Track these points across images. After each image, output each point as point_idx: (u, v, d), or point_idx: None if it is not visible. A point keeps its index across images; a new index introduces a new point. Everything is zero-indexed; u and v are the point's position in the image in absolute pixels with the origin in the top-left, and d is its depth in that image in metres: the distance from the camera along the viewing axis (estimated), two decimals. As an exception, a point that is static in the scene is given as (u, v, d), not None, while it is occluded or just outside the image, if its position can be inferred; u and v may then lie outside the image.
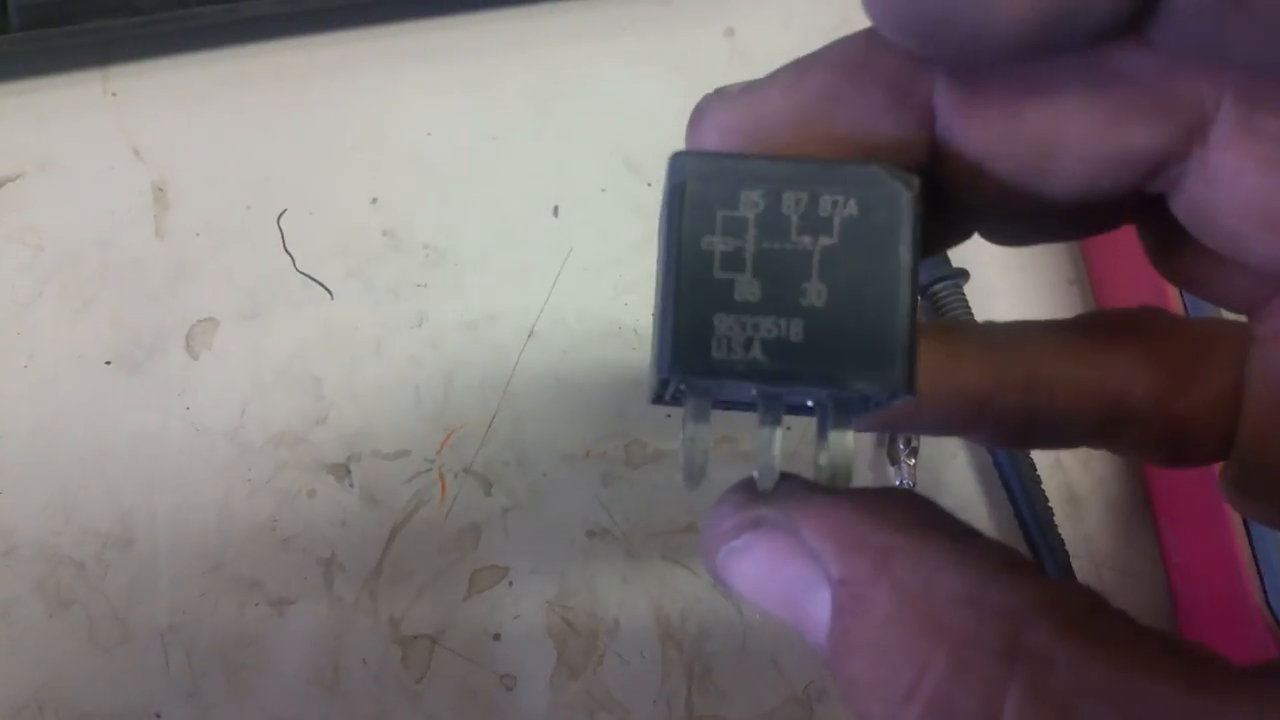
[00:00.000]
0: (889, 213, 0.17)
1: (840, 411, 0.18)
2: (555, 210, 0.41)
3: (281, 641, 0.36)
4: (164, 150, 0.41)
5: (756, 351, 0.17)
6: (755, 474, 0.18)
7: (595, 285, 0.40)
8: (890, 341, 0.17)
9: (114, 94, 0.41)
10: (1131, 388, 0.21)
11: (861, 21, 0.19)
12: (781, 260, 0.18)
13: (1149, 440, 0.21)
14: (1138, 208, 0.19)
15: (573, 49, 0.43)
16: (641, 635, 0.37)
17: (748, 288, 0.17)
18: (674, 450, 0.38)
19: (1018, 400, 0.21)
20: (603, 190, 0.41)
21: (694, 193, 0.18)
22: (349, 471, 0.38)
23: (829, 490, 0.18)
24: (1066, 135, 0.17)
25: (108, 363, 0.38)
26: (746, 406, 0.19)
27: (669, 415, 0.39)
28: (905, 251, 0.17)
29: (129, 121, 0.41)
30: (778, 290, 0.17)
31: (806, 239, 0.17)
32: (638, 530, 0.38)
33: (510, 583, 0.37)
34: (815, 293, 0.18)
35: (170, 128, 0.41)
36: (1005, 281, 0.41)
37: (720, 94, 0.19)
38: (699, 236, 0.17)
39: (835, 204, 0.18)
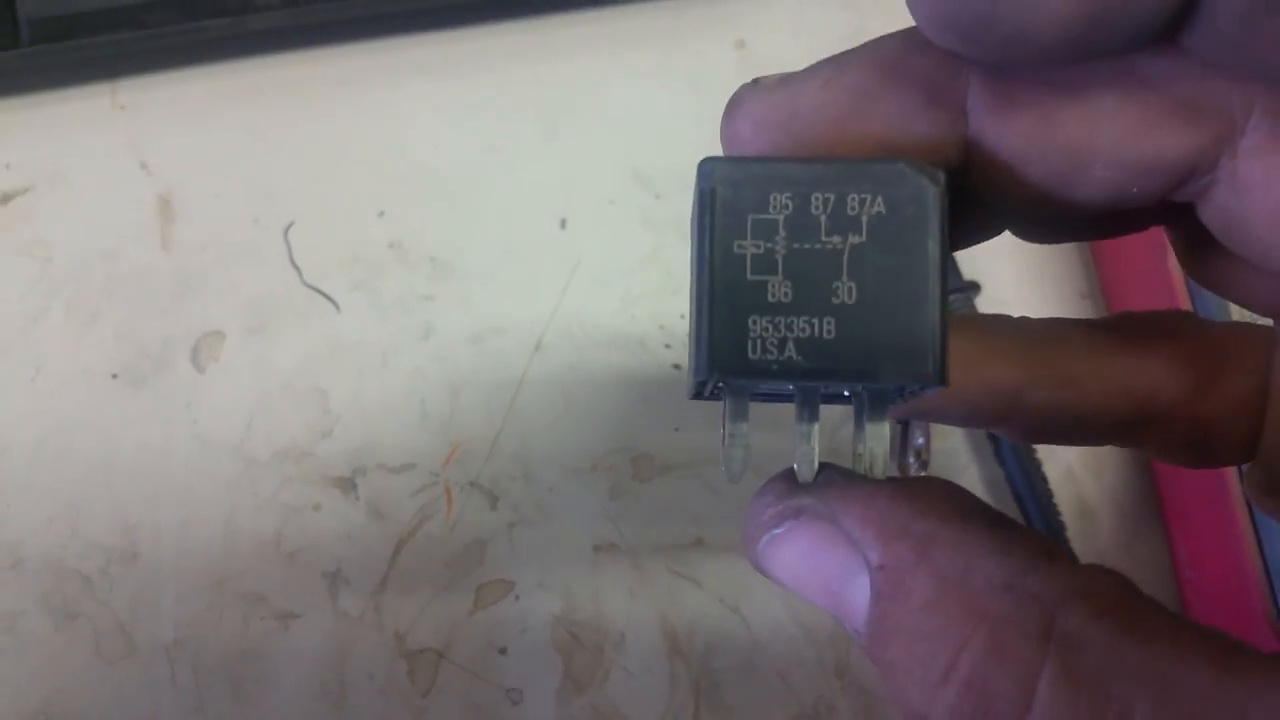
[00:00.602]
0: (916, 208, 0.18)
1: (876, 403, 0.18)
2: (563, 223, 0.41)
3: (287, 656, 0.36)
4: (171, 163, 0.41)
5: (791, 350, 0.17)
6: (795, 465, 0.19)
7: (603, 298, 0.40)
8: (921, 333, 0.18)
9: (122, 107, 0.41)
10: (1160, 388, 0.21)
11: (874, 31, 0.19)
12: (812, 260, 0.18)
13: (1175, 441, 0.22)
14: (1167, 212, 0.19)
15: (581, 61, 0.43)
16: (649, 650, 0.36)
17: (780, 288, 0.18)
18: (681, 465, 0.38)
19: (1048, 396, 0.21)
20: (611, 202, 0.41)
21: (724, 198, 0.18)
22: (354, 485, 0.37)
23: (867, 479, 0.18)
24: (1098, 141, 0.17)
25: (114, 376, 0.38)
26: (784, 398, 0.19)
27: (677, 429, 0.38)
28: (933, 245, 0.17)
29: (137, 135, 0.41)
30: (809, 290, 0.18)
31: (836, 238, 0.18)
32: (645, 544, 0.37)
33: (516, 597, 0.37)
34: (846, 290, 0.18)
35: (178, 141, 0.41)
36: (1017, 294, 0.40)
37: (757, 85, 0.19)
38: (731, 240, 0.18)
39: (863, 202, 0.18)
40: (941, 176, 0.18)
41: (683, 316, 0.40)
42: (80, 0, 0.39)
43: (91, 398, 0.38)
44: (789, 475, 0.19)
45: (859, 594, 0.17)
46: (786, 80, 0.19)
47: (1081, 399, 0.21)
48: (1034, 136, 0.17)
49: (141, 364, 0.38)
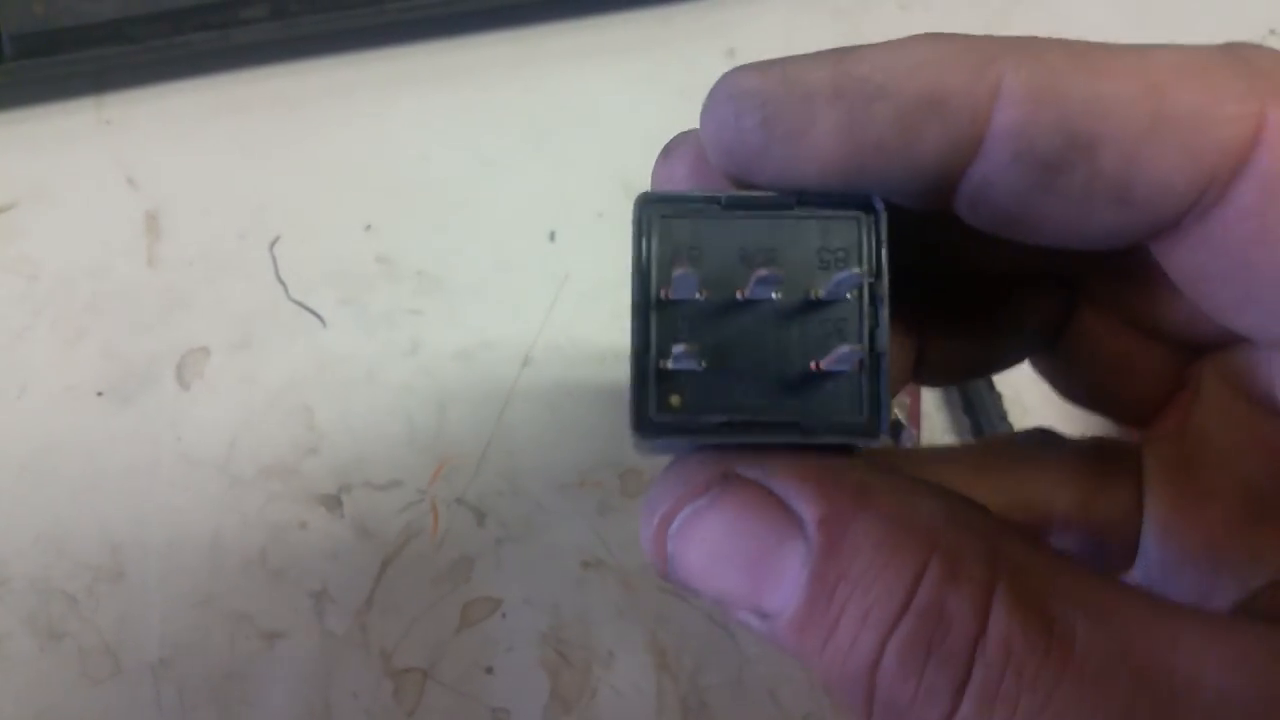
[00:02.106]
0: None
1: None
2: (552, 235, 0.41)
3: (272, 675, 0.36)
4: (157, 178, 0.40)
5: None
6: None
7: (592, 311, 0.40)
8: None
9: (108, 122, 0.41)
10: (1053, 501, 0.22)
11: (865, 38, 0.19)
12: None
13: (1074, 548, 0.23)
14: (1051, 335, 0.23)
15: (570, 71, 0.43)
16: (636, 668, 0.36)
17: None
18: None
19: None
20: (600, 215, 0.41)
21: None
22: (340, 503, 0.37)
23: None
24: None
25: (99, 394, 0.38)
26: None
27: (665, 443, 0.38)
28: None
29: (122, 150, 0.41)
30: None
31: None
32: (633, 561, 0.37)
33: (503, 615, 0.36)
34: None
35: (163, 156, 0.41)
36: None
37: (689, 134, 0.20)
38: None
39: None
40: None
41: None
42: (64, 15, 0.39)
43: (77, 415, 0.38)
44: (702, 452, 0.18)
45: (787, 561, 0.17)
46: (681, 148, 0.20)
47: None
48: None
49: (127, 381, 0.38)
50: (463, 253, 0.40)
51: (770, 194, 0.18)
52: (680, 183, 0.19)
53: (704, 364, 0.17)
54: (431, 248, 0.40)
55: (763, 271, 0.17)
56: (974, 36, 0.17)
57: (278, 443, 0.38)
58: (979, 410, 0.37)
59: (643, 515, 0.18)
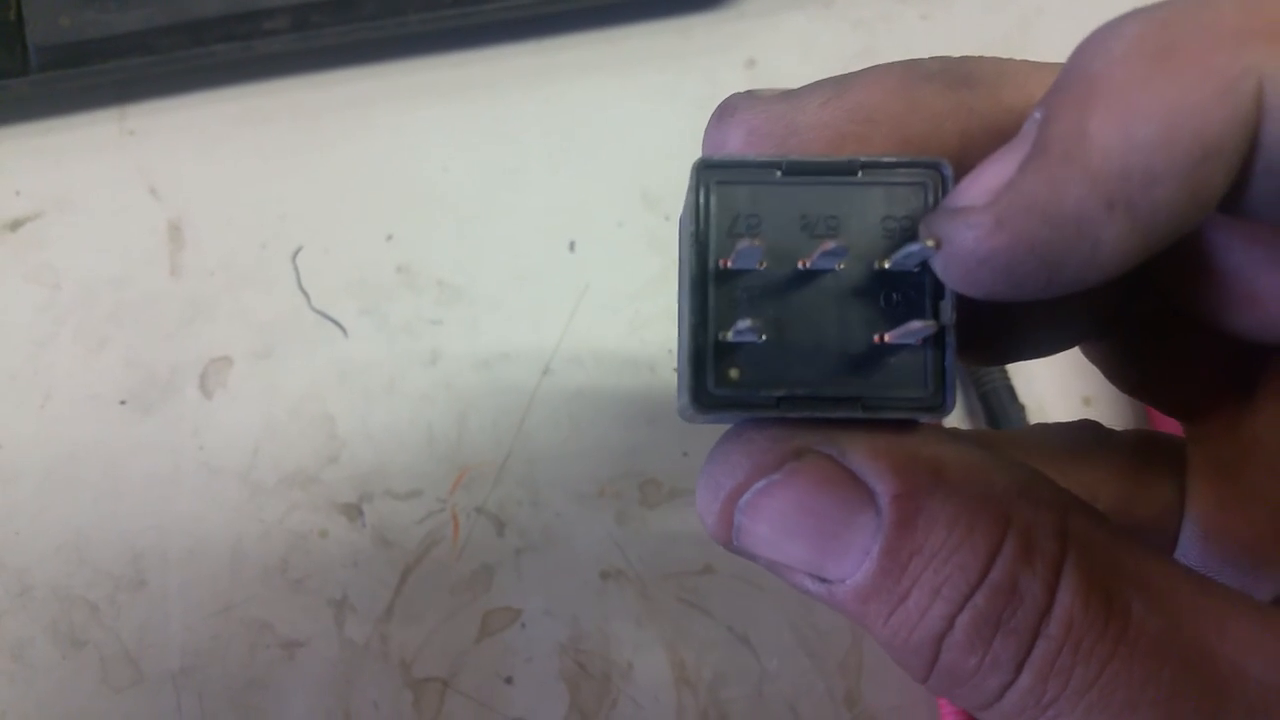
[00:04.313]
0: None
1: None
2: (572, 245, 0.41)
3: (292, 684, 0.36)
4: (180, 189, 0.41)
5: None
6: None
7: (612, 321, 0.40)
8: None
9: (131, 133, 0.41)
10: (1097, 495, 0.22)
11: (884, 51, 0.18)
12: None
13: None
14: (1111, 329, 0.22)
15: (590, 82, 0.43)
16: (656, 680, 0.36)
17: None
18: (690, 490, 0.38)
19: None
20: (620, 225, 0.41)
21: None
22: (361, 512, 0.37)
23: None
24: None
25: (122, 402, 0.38)
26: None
27: (685, 454, 0.38)
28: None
29: (145, 160, 0.41)
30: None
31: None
32: (653, 572, 0.37)
33: (523, 625, 0.36)
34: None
35: (186, 166, 0.41)
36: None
37: (753, 95, 0.19)
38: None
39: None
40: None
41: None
42: (89, 27, 0.39)
43: (100, 424, 0.38)
44: (764, 425, 0.18)
45: (857, 533, 0.17)
46: (786, 95, 0.18)
47: None
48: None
49: (150, 390, 0.38)
50: (483, 263, 0.40)
51: (833, 158, 0.17)
52: (733, 149, 0.18)
53: (764, 337, 0.17)
54: (452, 258, 0.40)
55: (830, 244, 0.16)
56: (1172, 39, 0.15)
57: (299, 452, 0.38)
58: (1001, 422, 0.37)
59: (704, 487, 0.18)
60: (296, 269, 0.40)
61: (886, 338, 0.17)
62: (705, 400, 0.17)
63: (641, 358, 0.39)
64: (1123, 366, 0.23)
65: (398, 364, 0.39)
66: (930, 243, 0.16)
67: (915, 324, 0.17)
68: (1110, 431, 0.24)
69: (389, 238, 0.40)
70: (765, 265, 0.17)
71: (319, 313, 0.39)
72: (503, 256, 0.40)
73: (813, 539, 0.17)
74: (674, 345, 0.39)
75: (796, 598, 0.36)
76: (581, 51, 0.43)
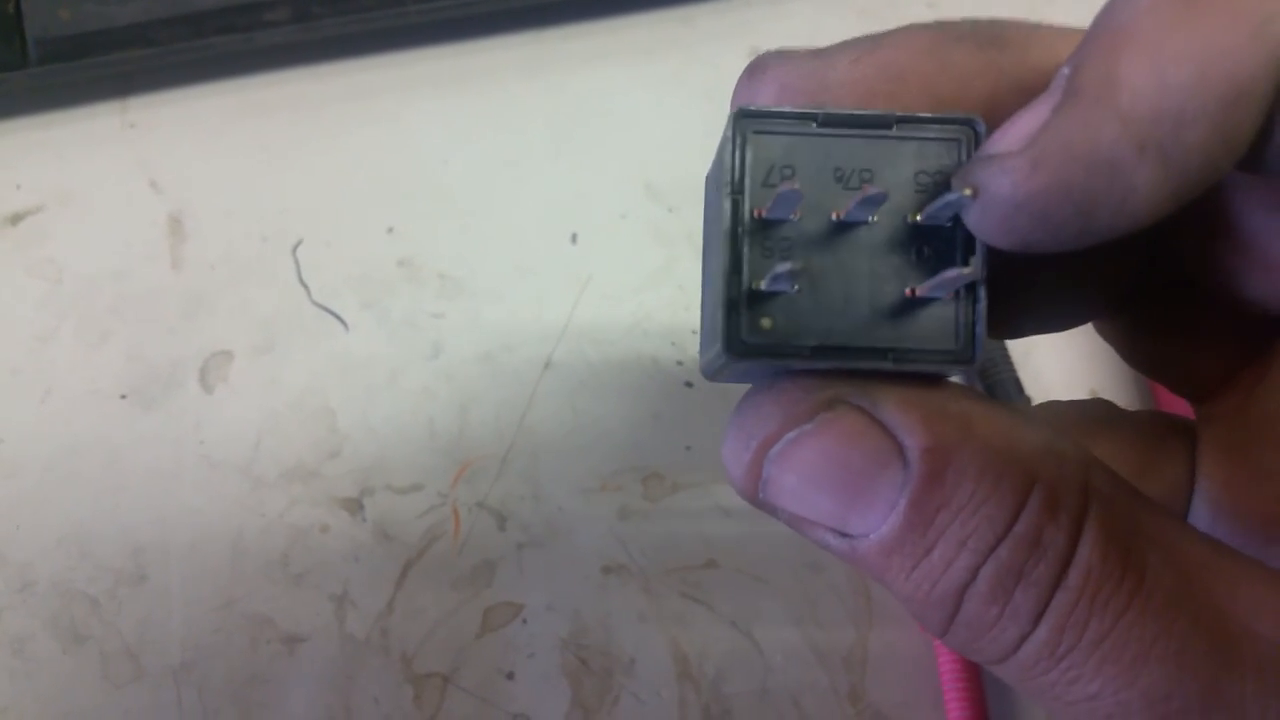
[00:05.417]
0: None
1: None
2: (574, 238, 0.40)
3: (293, 679, 0.35)
4: (181, 182, 0.41)
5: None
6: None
7: (614, 314, 0.39)
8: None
9: (132, 125, 0.41)
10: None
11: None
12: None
13: None
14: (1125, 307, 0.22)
15: (591, 72, 0.42)
16: (658, 675, 0.36)
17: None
18: (692, 484, 0.37)
19: None
20: (622, 216, 0.41)
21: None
22: (362, 506, 0.37)
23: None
24: None
25: (123, 396, 0.38)
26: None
27: (688, 448, 0.38)
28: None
29: (147, 153, 0.41)
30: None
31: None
32: (655, 566, 0.37)
33: (524, 620, 0.36)
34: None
35: (187, 159, 0.41)
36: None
37: (784, 53, 0.19)
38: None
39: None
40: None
41: (694, 332, 0.39)
42: (88, 19, 0.39)
43: (100, 418, 0.38)
44: (794, 377, 0.18)
45: (883, 486, 0.17)
46: (818, 53, 0.19)
47: None
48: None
49: (151, 385, 0.38)
50: (484, 255, 0.40)
51: (870, 112, 0.17)
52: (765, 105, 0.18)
53: (798, 287, 0.17)
54: (453, 250, 0.40)
55: (871, 189, 0.16)
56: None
57: (300, 446, 0.38)
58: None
59: (733, 438, 0.18)
60: (297, 262, 0.40)
61: (919, 290, 0.17)
62: (738, 348, 0.17)
63: (644, 350, 0.39)
64: (1135, 343, 0.23)
65: (399, 357, 0.39)
66: (967, 191, 0.16)
67: (951, 272, 0.17)
68: (1121, 410, 0.24)
69: (390, 230, 0.40)
70: (799, 216, 0.17)
71: (320, 306, 0.39)
72: (504, 249, 0.40)
73: (840, 491, 0.17)
74: (676, 338, 0.39)
75: (800, 592, 0.36)
76: (583, 41, 0.42)
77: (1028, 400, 0.37)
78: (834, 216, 0.17)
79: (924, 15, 0.44)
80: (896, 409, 0.17)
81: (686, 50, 0.43)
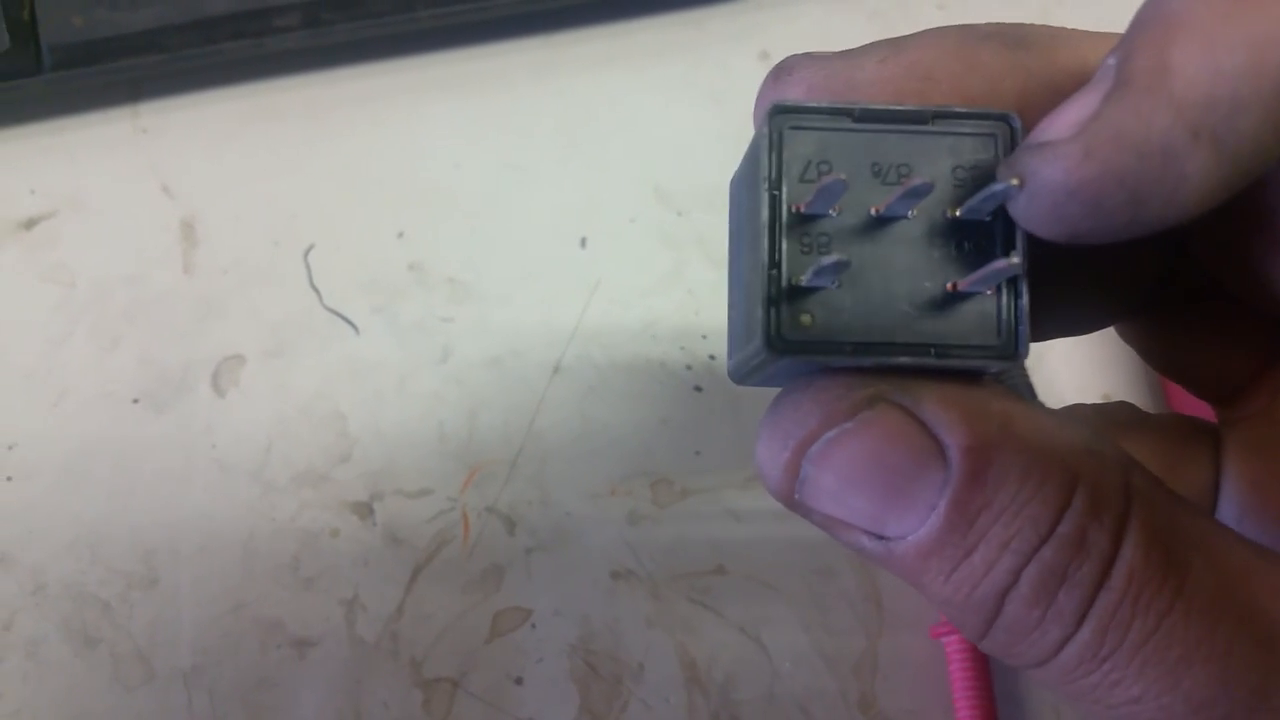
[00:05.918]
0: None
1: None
2: (583, 242, 0.40)
3: (303, 683, 0.36)
4: (193, 187, 0.41)
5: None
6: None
7: (623, 318, 0.39)
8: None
9: (144, 131, 0.41)
10: None
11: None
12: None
13: None
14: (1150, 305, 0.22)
15: (601, 76, 0.42)
16: (667, 681, 0.36)
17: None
18: (702, 490, 0.37)
19: None
20: (632, 221, 0.41)
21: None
22: (372, 510, 0.37)
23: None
24: None
25: (135, 401, 0.38)
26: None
27: (697, 453, 0.38)
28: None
29: (159, 158, 0.41)
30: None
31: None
32: (664, 572, 0.37)
33: (533, 625, 0.36)
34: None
35: (199, 164, 0.41)
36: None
37: (810, 55, 0.19)
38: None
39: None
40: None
41: (705, 337, 0.39)
42: (101, 25, 0.39)
43: (112, 422, 0.38)
44: (832, 375, 0.18)
45: (923, 487, 0.17)
46: (844, 54, 0.19)
47: None
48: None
49: (162, 389, 0.38)
50: (494, 260, 0.40)
51: (906, 107, 0.17)
52: None
53: (838, 283, 0.17)
54: (463, 255, 0.40)
55: (917, 180, 0.16)
56: None
57: (310, 450, 0.38)
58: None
59: (769, 437, 0.18)
60: (308, 267, 0.40)
61: (961, 284, 0.17)
62: (779, 345, 0.17)
63: (653, 355, 0.39)
64: (1158, 346, 0.23)
65: (409, 362, 0.39)
66: (1015, 181, 0.16)
67: (999, 263, 0.16)
68: (1145, 413, 0.23)
69: (400, 235, 0.40)
70: (837, 211, 0.17)
71: (331, 311, 0.39)
72: (514, 253, 0.40)
73: (878, 492, 0.17)
74: (686, 342, 0.39)
75: (810, 598, 0.36)
76: (593, 45, 0.42)
77: (1042, 405, 0.37)
78: (873, 211, 0.17)
79: (935, 18, 0.44)
80: (938, 406, 0.17)
81: (696, 54, 0.43)
